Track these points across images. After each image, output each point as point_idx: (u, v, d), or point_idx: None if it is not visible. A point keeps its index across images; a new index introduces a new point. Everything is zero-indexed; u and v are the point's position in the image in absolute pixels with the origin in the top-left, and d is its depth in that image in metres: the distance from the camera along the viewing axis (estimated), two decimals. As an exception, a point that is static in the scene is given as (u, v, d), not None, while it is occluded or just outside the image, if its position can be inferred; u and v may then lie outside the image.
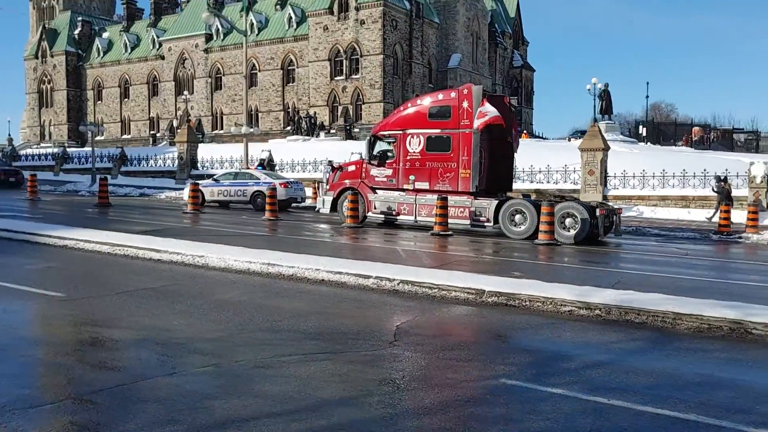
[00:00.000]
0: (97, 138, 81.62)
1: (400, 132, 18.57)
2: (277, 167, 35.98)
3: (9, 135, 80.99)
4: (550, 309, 8.16)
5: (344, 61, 65.13)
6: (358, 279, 9.60)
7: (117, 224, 17.03)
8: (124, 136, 78.86)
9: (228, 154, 41.02)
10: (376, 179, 19.08)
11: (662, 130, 60.91)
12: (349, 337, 6.85)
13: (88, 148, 65.52)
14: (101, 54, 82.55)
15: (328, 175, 20.62)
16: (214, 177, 25.93)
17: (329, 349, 6.35)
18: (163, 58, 77.08)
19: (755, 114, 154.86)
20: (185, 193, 23.87)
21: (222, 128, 73.63)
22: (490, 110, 17.03)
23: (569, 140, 58.13)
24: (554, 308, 8.15)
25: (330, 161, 21.17)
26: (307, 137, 54.93)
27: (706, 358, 6.42)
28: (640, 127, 60.51)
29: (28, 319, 7.32)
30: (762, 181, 24.31)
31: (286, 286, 9.49)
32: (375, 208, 19.01)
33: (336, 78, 65.55)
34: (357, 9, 63.75)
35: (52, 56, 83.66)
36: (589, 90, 38.34)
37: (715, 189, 23.07)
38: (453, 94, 18.26)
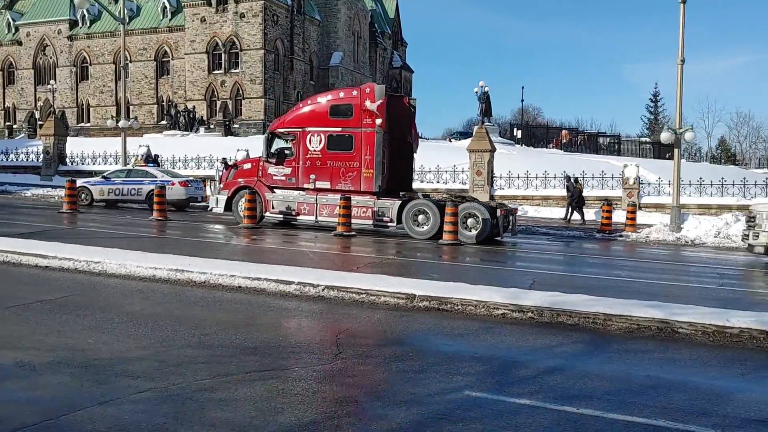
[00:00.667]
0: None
1: (300, 130, 18.06)
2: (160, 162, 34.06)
3: None
4: (483, 312, 8.10)
5: (223, 54, 63.11)
6: (279, 285, 9.08)
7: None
8: (-25, 128, 71.78)
9: (99, 148, 38.29)
10: (274, 178, 18.44)
11: (534, 133, 64.10)
12: (290, 350, 6.38)
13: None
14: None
15: (221, 173, 19.67)
16: (104, 174, 24.02)
17: (273, 365, 5.86)
18: (20, 43, 71.06)
19: (613, 118, 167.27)
20: None
21: (89, 121, 69.06)
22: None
23: (449, 140, 59.83)
24: (487, 312, 8.10)
25: (224, 158, 20.30)
26: (185, 132, 52.66)
27: (648, 359, 6.57)
28: (515, 129, 63.41)
29: None
30: (634, 183, 26.06)
31: (201, 295, 8.79)
32: (273, 208, 18.37)
33: (214, 72, 63.38)
34: (236, 2, 61.99)
35: None
36: (476, 92, 39.46)
37: (570, 189, 24.51)
38: (355, 93, 17.99)
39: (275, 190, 18.46)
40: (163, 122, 62.93)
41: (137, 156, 33.07)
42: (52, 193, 27.69)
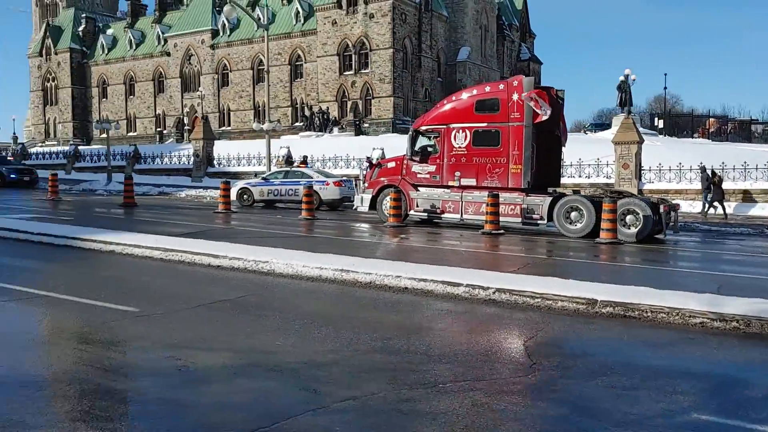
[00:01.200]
0: (102, 136, 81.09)
1: (444, 126, 17.77)
2: (295, 163, 35.15)
3: (14, 133, 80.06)
4: (678, 321, 7.37)
5: (353, 55, 64.26)
6: (447, 287, 8.79)
7: (152, 226, 16.24)
8: (130, 134, 77.90)
9: (240, 150, 40.19)
10: (418, 176, 18.29)
11: (677, 122, 60.14)
12: (479, 359, 6.05)
13: (97, 146, 64.82)
14: (106, 51, 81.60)
15: (365, 171, 19.82)
16: (264, 176, 25.13)
17: (467, 375, 5.55)
18: (168, 54, 76.19)
19: (765, 104, 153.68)
20: (233, 192, 23.64)
21: (230, 124, 72.86)
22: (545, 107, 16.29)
23: (585, 132, 57.38)
24: (682, 320, 7.36)
25: (368, 157, 20.37)
26: (320, 133, 54.11)
27: None
28: (655, 118, 59.74)
29: (116, 342, 6.47)
30: (808, 174, 23.55)
31: (368, 296, 8.70)
32: (417, 206, 18.23)
33: (345, 73, 64.67)
34: (366, 3, 62.85)
35: (56, 53, 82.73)
36: (622, 82, 37.45)
37: (707, 181, 23.62)
38: (501, 86, 17.45)
39: (419, 188, 18.31)
40: (298, 124, 65.13)
41: (278, 157, 34.29)
42: (203, 194, 29.29)
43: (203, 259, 10.81)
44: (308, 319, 7.38)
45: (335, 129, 55.41)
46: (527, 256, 13.44)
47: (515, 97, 16.77)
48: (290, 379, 5.30)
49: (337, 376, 5.40)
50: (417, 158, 18.24)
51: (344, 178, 23.85)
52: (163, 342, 6.27)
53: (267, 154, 29.62)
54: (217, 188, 30.40)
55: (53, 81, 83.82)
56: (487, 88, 18.04)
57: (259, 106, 71.27)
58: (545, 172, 18.05)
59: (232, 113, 73.10)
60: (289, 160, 35.21)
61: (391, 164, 19.21)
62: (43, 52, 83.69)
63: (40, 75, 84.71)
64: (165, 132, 75.69)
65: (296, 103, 69.19)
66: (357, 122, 60.90)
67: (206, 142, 37.86)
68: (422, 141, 18.35)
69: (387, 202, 18.20)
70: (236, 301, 8.23)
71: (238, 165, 37.51)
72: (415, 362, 5.85)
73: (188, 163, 39.50)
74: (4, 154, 45.70)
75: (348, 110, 63.97)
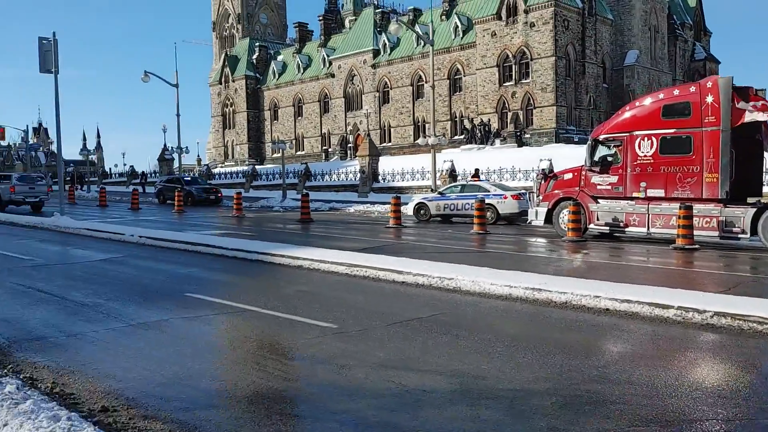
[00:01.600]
0: (274, 155, 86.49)
1: (626, 134, 16.64)
2: (459, 177, 34.97)
3: (198, 155, 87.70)
4: None
5: (513, 66, 63.19)
6: (654, 309, 8.02)
7: (330, 241, 16.75)
8: (298, 153, 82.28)
9: (404, 165, 40.79)
10: (598, 187, 17.28)
11: None
12: (722, 393, 5.34)
13: (269, 165, 69.24)
14: (276, 76, 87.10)
15: (539, 184, 19.12)
16: (440, 190, 25.34)
17: (717, 411, 4.89)
18: (333, 76, 79.66)
19: None
20: (409, 207, 24.10)
21: (390, 140, 74.54)
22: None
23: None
24: None
25: (543, 169, 19.65)
26: (481, 146, 53.63)
27: None
28: None
29: (323, 359, 6.53)
30: None
31: (566, 317, 8.15)
32: (597, 220, 17.21)
33: (505, 84, 63.74)
34: (526, 12, 61.64)
35: (233, 81, 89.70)
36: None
37: None
38: (693, 89, 16.02)
39: (599, 200, 17.29)
40: (458, 137, 65.10)
41: (442, 171, 34.30)
42: (371, 209, 29.94)
43: (387, 275, 10.83)
44: (507, 341, 7.01)
45: (497, 141, 54.63)
46: (734, 274, 12.08)
47: (709, 99, 15.32)
48: (509, 410, 4.96)
49: (557, 409, 4.98)
50: (596, 169, 17.25)
51: (522, 191, 23.16)
52: (369, 361, 6.20)
53: (432, 168, 29.72)
54: (383, 203, 31.09)
55: (231, 106, 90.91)
56: (676, 92, 16.66)
57: (418, 122, 72.37)
58: (745, 180, 16.30)
59: (392, 129, 74.81)
60: (452, 174, 35.13)
61: (568, 175, 18.34)
62: (222, 80, 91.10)
63: (219, 101, 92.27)
64: (330, 150, 79.18)
65: (455, 117, 69.33)
66: (518, 133, 59.70)
67: (371, 159, 38.87)
68: (602, 150, 17.33)
69: (564, 216, 17.38)
70: (428, 319, 8.05)
71: (402, 180, 38.08)
72: (639, 395, 5.27)
73: (354, 179, 40.78)
74: (194, 175, 50.05)
75: (508, 121, 62.94)
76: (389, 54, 74.09)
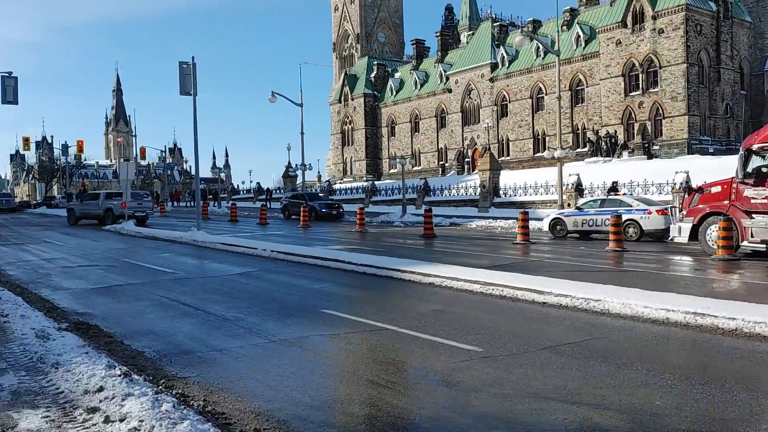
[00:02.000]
0: (391, 171, 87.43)
1: (786, 143, 15.08)
2: (586, 191, 33.48)
3: (318, 172, 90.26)
4: None
5: (640, 74, 60.15)
6: None
7: (457, 257, 16.34)
8: (415, 168, 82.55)
9: (524, 179, 39.69)
10: (752, 201, 15.73)
11: None
12: None
13: (387, 181, 69.97)
14: (394, 93, 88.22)
15: (682, 198, 17.75)
16: (578, 205, 24.38)
17: None
18: (450, 91, 79.52)
19: None
20: (544, 223, 23.40)
21: (508, 154, 73.15)
22: None
23: None
24: None
25: (687, 182, 18.25)
26: (607, 158, 51.30)
27: None
28: None
29: (476, 388, 6.11)
30: None
31: (737, 346, 7.25)
32: (752, 236, 15.65)
33: (631, 93, 60.77)
34: (654, 18, 58.59)
35: (352, 99, 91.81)
36: None
37: None
38: None
39: (754, 215, 15.74)
40: (581, 149, 62.78)
41: (567, 185, 32.99)
42: (493, 224, 29.25)
43: (526, 295, 10.26)
44: (676, 372, 6.28)
45: (624, 153, 52.04)
46: None
47: None
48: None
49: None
50: (750, 181, 15.73)
51: (668, 206, 21.61)
52: (526, 391, 5.73)
53: (558, 182, 28.62)
54: (506, 218, 30.32)
55: (350, 124, 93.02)
56: None
57: (538, 135, 70.61)
58: None
59: (510, 143, 73.41)
60: (578, 187, 33.73)
61: (716, 189, 16.88)
62: (342, 98, 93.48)
63: (339, 119, 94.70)
64: (446, 165, 78.91)
65: (577, 129, 66.97)
66: (646, 145, 56.63)
67: (492, 173, 38.13)
68: (756, 161, 15.81)
69: (713, 232, 15.99)
70: (581, 344, 7.44)
71: (524, 194, 37.02)
72: None
73: (474, 194, 40.18)
74: (317, 191, 51.37)
75: (635, 132, 59.86)
76: (508, 67, 72.95)
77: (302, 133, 45.20)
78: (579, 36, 66.16)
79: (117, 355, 6.95)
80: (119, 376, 5.57)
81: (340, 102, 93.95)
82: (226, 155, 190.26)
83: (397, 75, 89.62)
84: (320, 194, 43.05)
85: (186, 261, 16.91)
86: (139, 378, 5.71)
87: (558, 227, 22.57)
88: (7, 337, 7.51)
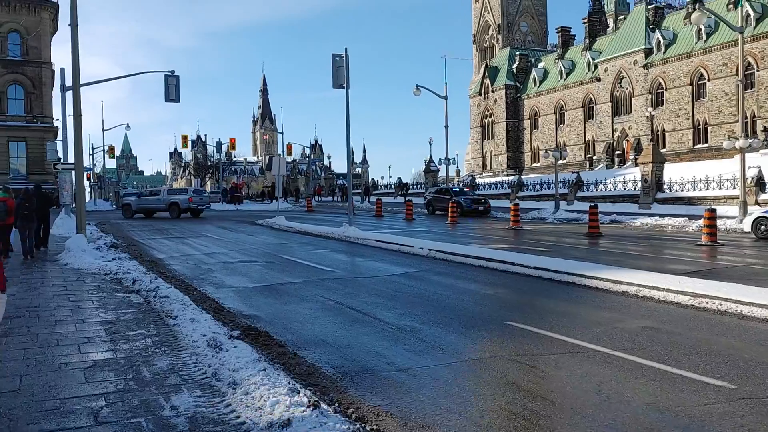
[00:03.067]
0: (534, 165, 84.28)
1: None
2: (769, 186, 29.63)
3: (457, 167, 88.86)
4: None
5: (824, 54, 53.21)
6: None
7: (638, 260, 14.49)
8: (560, 162, 78.85)
9: (687, 173, 36.01)
10: None
11: None
12: None
13: (533, 175, 67.30)
14: (537, 84, 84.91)
15: None
16: None
17: None
18: (598, 80, 75.15)
19: None
20: (746, 222, 20.53)
21: (664, 146, 67.78)
22: None
23: None
24: None
25: None
26: (786, 149, 45.69)
27: None
28: None
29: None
30: None
31: None
32: None
33: (813, 76, 53.99)
34: None
35: (493, 91, 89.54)
36: None
37: None
38: None
39: None
40: (754, 140, 56.68)
41: (748, 179, 29.31)
42: (661, 223, 26.51)
43: (755, 311, 8.43)
44: None
45: (807, 143, 46.11)
46: None
47: None
48: None
49: None
50: None
51: None
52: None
53: (741, 175, 25.32)
54: (673, 216, 27.43)
55: (490, 117, 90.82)
56: None
57: (698, 124, 64.88)
58: None
59: (666, 134, 68.02)
60: (760, 181, 29.98)
61: None
62: (482, 91, 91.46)
63: (479, 112, 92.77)
64: (594, 158, 74.68)
65: (746, 118, 60.55)
66: (833, 134, 49.95)
67: (655, 166, 34.91)
68: None
69: None
70: None
71: (693, 189, 33.55)
72: None
73: (633, 188, 37.10)
74: (460, 186, 50.07)
75: (819, 120, 53.14)
76: (664, 52, 67.56)
77: (446, 127, 44.19)
78: (749, 14, 59.85)
79: (294, 372, 6.15)
80: (307, 406, 4.68)
81: (480, 95, 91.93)
82: (364, 151, 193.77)
83: (540, 65, 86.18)
84: (465, 189, 41.69)
85: (342, 258, 16.34)
86: (329, 409, 4.80)
87: (761, 227, 19.56)
88: (179, 343, 6.99)
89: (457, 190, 39.36)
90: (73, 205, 22.93)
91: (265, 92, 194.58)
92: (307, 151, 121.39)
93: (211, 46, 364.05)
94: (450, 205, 30.15)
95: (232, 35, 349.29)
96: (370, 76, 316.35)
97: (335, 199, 72.82)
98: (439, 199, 37.35)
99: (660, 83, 68.43)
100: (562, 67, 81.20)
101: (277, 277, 12.96)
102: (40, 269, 13.62)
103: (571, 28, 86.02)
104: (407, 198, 35.69)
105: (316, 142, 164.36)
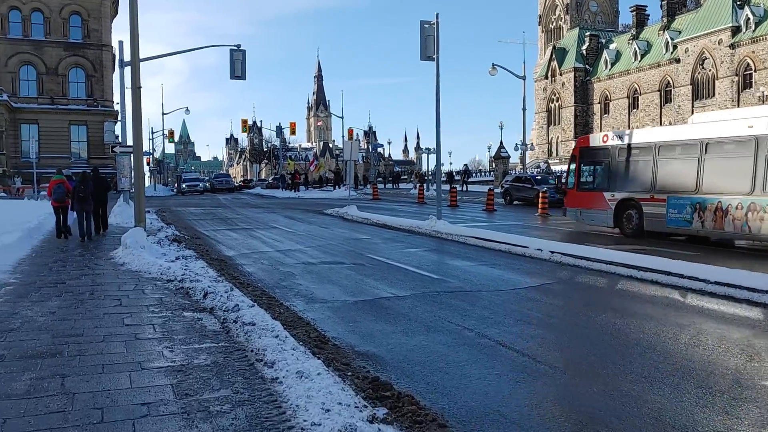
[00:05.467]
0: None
1: None
2: None
3: (520, 154, 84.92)
4: None
5: None
6: None
7: None
8: (633, 149, 74.31)
9: None
10: None
11: None
12: None
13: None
14: (608, 66, 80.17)
15: None
16: None
17: None
18: (677, 61, 70.12)
19: None
20: None
21: (752, 133, 62.62)
22: None
23: None
24: None
25: None
26: None
27: None
28: None
29: None
30: None
31: None
32: None
33: None
34: None
35: (560, 74, 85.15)
36: None
37: None
38: None
39: None
40: None
41: None
42: None
43: None
44: None
45: None
46: None
47: None
48: None
49: None
50: None
51: None
52: None
53: None
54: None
55: (557, 101, 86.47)
56: None
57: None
58: None
59: (755, 120, 62.77)
60: None
61: None
62: (548, 74, 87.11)
63: (544, 97, 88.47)
64: (672, 145, 69.83)
65: None
66: None
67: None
68: None
69: None
70: None
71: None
72: None
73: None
74: (518, 172, 46.69)
75: None
76: (754, 30, 62.19)
77: (524, 110, 40.93)
78: None
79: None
80: None
81: (546, 78, 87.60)
82: (417, 137, 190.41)
83: (612, 46, 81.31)
84: (547, 178, 38.39)
85: (444, 261, 13.65)
86: None
87: None
88: (289, 423, 4.41)
89: (540, 178, 36.16)
90: (132, 190, 20.97)
91: (319, 78, 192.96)
92: (369, 137, 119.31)
93: (265, 33, 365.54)
94: (540, 195, 27.13)
95: (286, 22, 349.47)
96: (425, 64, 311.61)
97: (390, 186, 70.21)
98: (518, 187, 34.30)
99: (748, 64, 63.17)
100: (637, 48, 76.27)
101: (376, 286, 10.38)
102: (92, 269, 11.39)
103: (646, 6, 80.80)
104: (490, 188, 32.61)
105: (370, 128, 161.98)
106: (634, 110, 77.01)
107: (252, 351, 6.11)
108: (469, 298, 9.37)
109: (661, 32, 73.93)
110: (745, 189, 13.86)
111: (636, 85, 76.69)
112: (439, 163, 21.17)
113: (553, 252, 12.98)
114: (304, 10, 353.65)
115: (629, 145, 17.33)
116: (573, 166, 19.17)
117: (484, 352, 6.66)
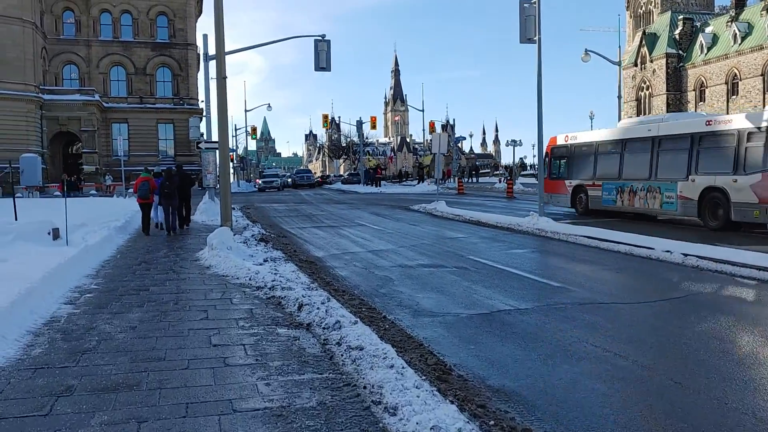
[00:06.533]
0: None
1: None
2: None
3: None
4: None
5: None
6: None
7: None
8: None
9: None
10: None
11: None
12: None
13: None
14: (704, 51, 75.17)
15: None
16: None
17: None
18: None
19: None
20: None
21: None
22: None
23: None
24: None
25: None
26: None
27: None
28: None
29: None
30: None
31: None
32: None
33: None
34: None
35: (651, 61, 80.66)
36: None
37: None
38: None
39: None
40: None
41: None
42: None
43: None
44: None
45: None
46: None
47: None
48: None
49: None
50: None
51: None
52: None
53: None
54: None
55: (647, 89, 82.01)
56: None
57: None
58: None
59: None
60: None
61: None
62: (638, 61, 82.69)
63: (633, 85, 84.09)
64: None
65: None
66: None
67: None
68: None
69: None
70: None
71: None
72: None
73: None
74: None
75: None
76: None
77: (619, 97, 38.36)
78: None
79: None
80: None
81: (636, 65, 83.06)
82: (496, 130, 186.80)
83: (708, 29, 76.13)
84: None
85: (558, 265, 12.19)
86: None
87: None
88: None
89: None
90: (217, 187, 20.48)
91: (396, 73, 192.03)
92: (439, 130, 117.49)
93: (341, 30, 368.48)
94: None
95: (362, 18, 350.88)
96: (503, 56, 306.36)
97: (471, 180, 68.39)
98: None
99: None
100: (737, 30, 71.02)
101: (488, 295, 9.05)
102: (177, 273, 10.61)
103: (747, -15, 75.22)
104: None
105: (448, 121, 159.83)
106: (734, 96, 71.86)
107: (365, 388, 4.94)
108: (605, 313, 7.91)
109: (765, 12, 68.55)
110: (645, 176, 18.53)
111: (735, 70, 71.51)
112: (541, 154, 19.53)
113: (686, 255, 11.25)
114: (380, 5, 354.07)
115: (581, 143, 21.95)
116: (547, 160, 22.69)
117: (650, 391, 5.23)
